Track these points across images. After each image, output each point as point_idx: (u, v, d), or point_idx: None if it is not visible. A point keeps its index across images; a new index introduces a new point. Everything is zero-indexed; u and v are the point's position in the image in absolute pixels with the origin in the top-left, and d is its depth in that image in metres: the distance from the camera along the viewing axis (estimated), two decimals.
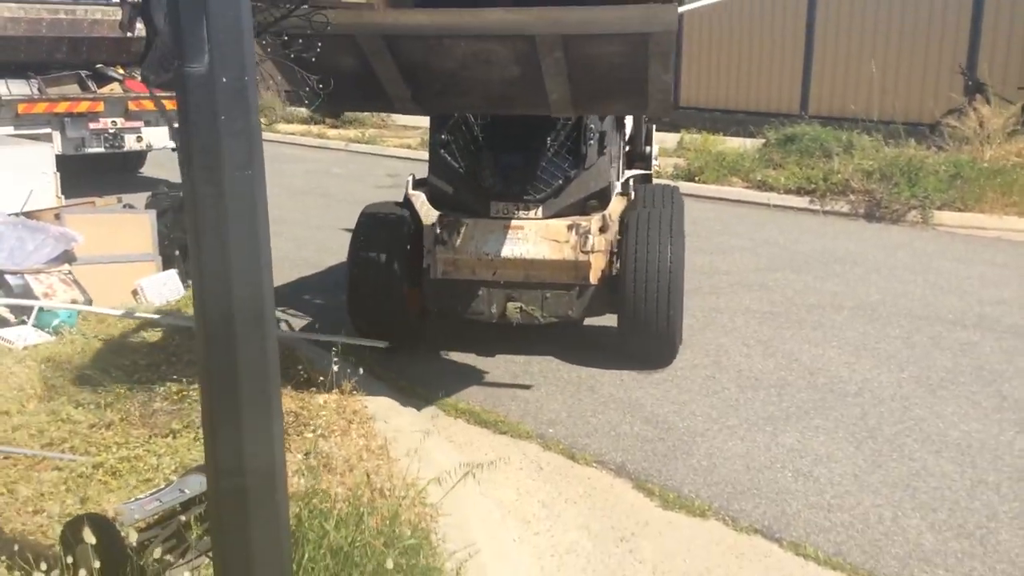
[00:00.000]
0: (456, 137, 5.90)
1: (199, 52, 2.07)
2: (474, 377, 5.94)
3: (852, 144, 13.68)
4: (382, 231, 5.96)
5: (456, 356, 6.32)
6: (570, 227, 5.65)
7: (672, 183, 10.80)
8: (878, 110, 14.43)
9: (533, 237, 5.67)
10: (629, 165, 7.54)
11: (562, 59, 4.20)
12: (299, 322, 6.88)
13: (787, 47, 16.63)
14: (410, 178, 6.23)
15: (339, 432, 4.57)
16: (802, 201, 12.04)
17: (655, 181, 8.04)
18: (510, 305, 5.75)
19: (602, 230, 5.72)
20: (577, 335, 6.69)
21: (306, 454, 4.20)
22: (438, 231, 5.67)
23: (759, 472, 4.65)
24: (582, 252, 5.62)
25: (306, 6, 3.80)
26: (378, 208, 6.25)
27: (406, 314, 5.99)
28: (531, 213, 5.77)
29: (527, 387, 5.76)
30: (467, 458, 4.45)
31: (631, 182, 6.74)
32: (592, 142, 5.78)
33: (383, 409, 5.08)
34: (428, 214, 5.83)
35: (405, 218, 6.01)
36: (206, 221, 2.16)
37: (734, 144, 14.69)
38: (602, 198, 5.91)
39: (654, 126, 8.30)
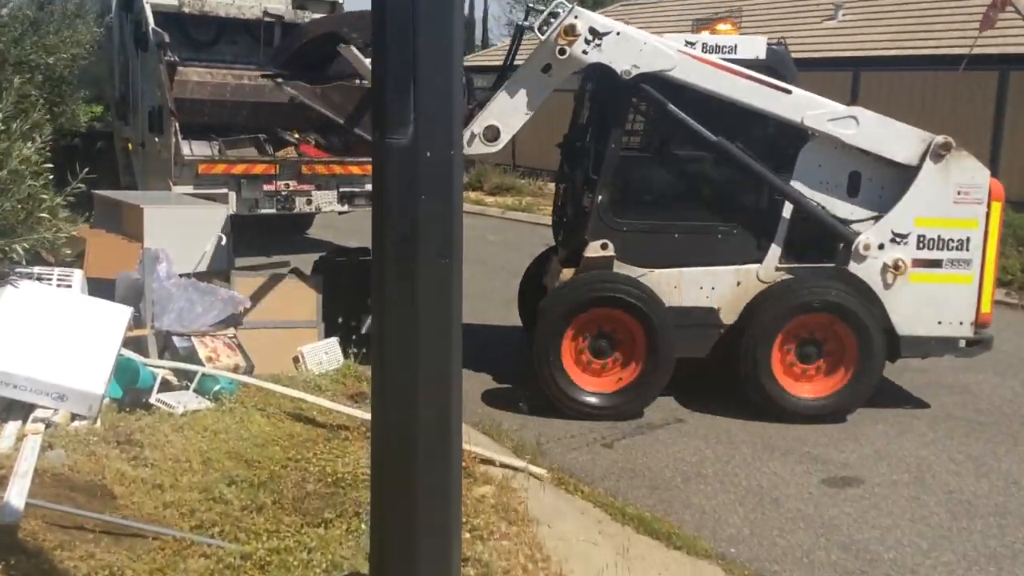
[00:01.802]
0: None
1: (403, 121, 1.75)
2: (641, 475, 5.43)
3: None
4: None
5: (621, 447, 5.83)
6: None
7: None
8: None
9: None
10: None
11: None
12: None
13: (973, 128, 15.54)
14: None
15: (498, 536, 4.15)
16: (997, 293, 10.94)
17: None
18: None
19: None
20: (748, 428, 6.10)
21: (464, 560, 3.79)
22: None
23: None
24: None
25: None
26: None
27: None
28: None
29: (701, 492, 5.20)
30: None
31: None
32: None
33: (546, 510, 4.63)
34: None
35: None
36: (394, 321, 1.82)
37: None
38: None
39: None
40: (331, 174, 12.43)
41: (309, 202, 12.54)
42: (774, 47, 6.67)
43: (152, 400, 5.35)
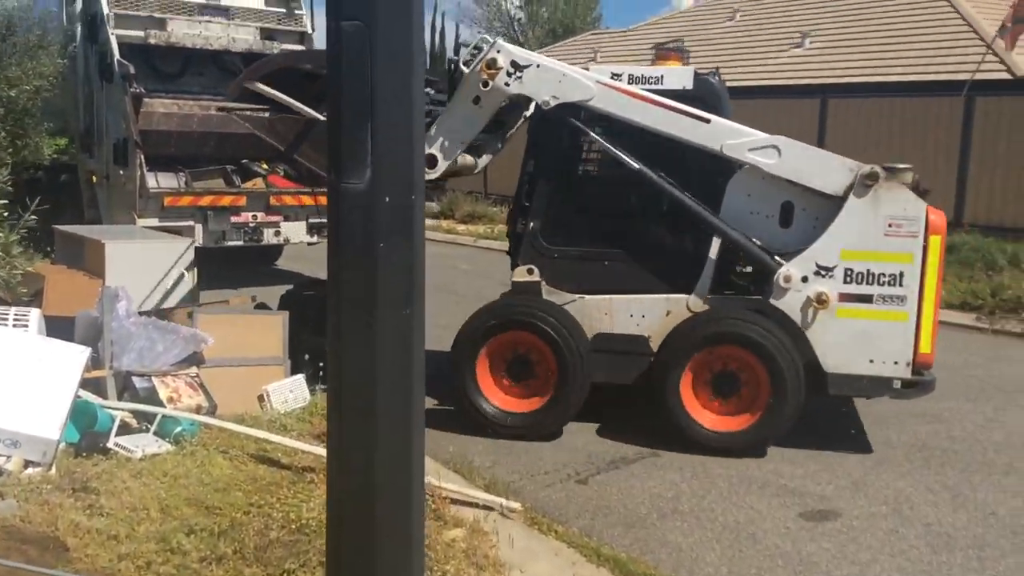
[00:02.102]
0: None
1: (360, 164, 1.65)
2: (616, 512, 5.31)
3: (1019, 256, 12.63)
4: None
5: (595, 483, 5.72)
6: None
7: None
8: None
9: None
10: None
11: None
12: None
13: (940, 153, 15.72)
14: None
15: None
16: (967, 318, 11.03)
17: None
18: None
19: None
20: (724, 462, 6.01)
21: None
22: None
23: None
24: None
25: None
26: None
27: None
28: None
29: (677, 529, 5.09)
30: None
31: None
32: None
33: (518, 553, 4.50)
34: None
35: None
36: (351, 372, 1.71)
37: None
38: None
39: None
40: (300, 205, 12.31)
41: (277, 233, 12.40)
42: (704, 77, 6.72)
43: (110, 444, 5.18)
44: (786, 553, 4.84)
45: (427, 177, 6.58)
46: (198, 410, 5.84)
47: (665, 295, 6.46)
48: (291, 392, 6.33)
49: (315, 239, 12.40)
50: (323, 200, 12.25)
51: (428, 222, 19.98)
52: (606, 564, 4.64)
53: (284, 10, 13.02)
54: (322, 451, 5.26)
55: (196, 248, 8.55)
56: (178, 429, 5.48)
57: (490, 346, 6.50)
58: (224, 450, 5.36)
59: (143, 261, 7.77)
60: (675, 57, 7.10)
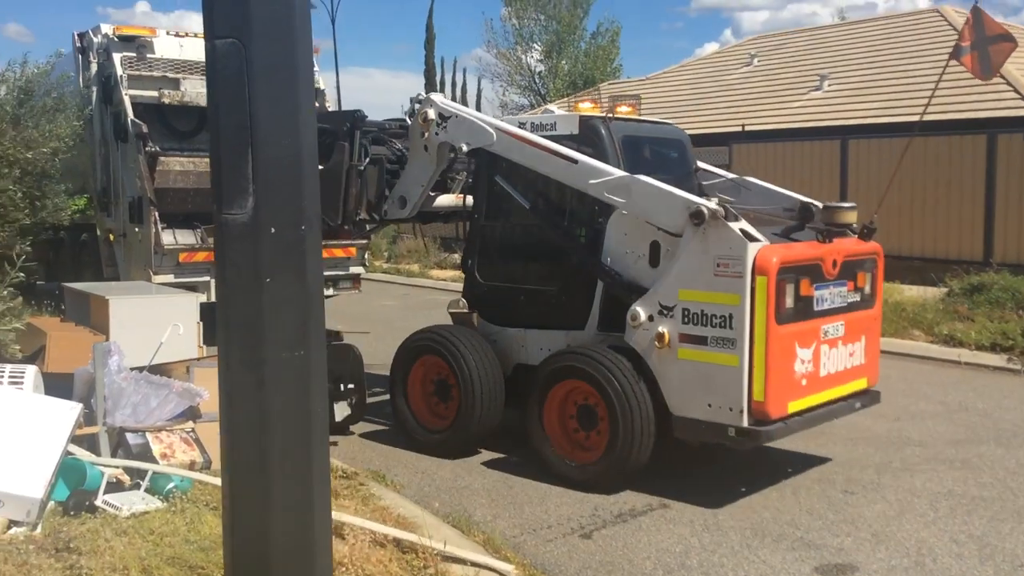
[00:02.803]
0: None
1: (240, 193, 1.52)
2: (620, 569, 5.06)
3: None
4: None
5: (600, 537, 5.48)
6: None
7: None
8: None
9: None
10: None
11: None
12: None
13: (965, 191, 15.44)
14: None
15: None
16: (998, 359, 10.66)
17: None
18: None
19: None
20: (738, 513, 5.74)
21: None
22: None
23: None
24: None
25: None
26: None
27: None
28: None
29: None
30: None
31: None
32: None
33: None
34: None
35: None
36: (238, 420, 1.55)
37: (911, 293, 13.45)
38: None
39: None
40: (347, 256, 12.32)
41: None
42: (591, 122, 6.93)
43: (98, 502, 5.04)
44: None
45: (402, 215, 7.76)
46: (192, 466, 5.70)
47: (564, 330, 6.77)
48: None
49: (330, 292, 12.35)
50: (337, 252, 12.25)
51: (450, 273, 20.00)
52: None
53: None
54: None
55: (206, 303, 8.51)
56: (170, 485, 5.34)
57: (416, 368, 7.21)
58: (215, 506, 5.19)
59: (147, 316, 7.73)
60: (631, 107, 7.45)
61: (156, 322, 7.54)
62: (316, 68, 13.26)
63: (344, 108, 12.16)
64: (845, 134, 17.47)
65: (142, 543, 4.63)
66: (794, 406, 5.91)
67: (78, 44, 12.79)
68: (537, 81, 40.62)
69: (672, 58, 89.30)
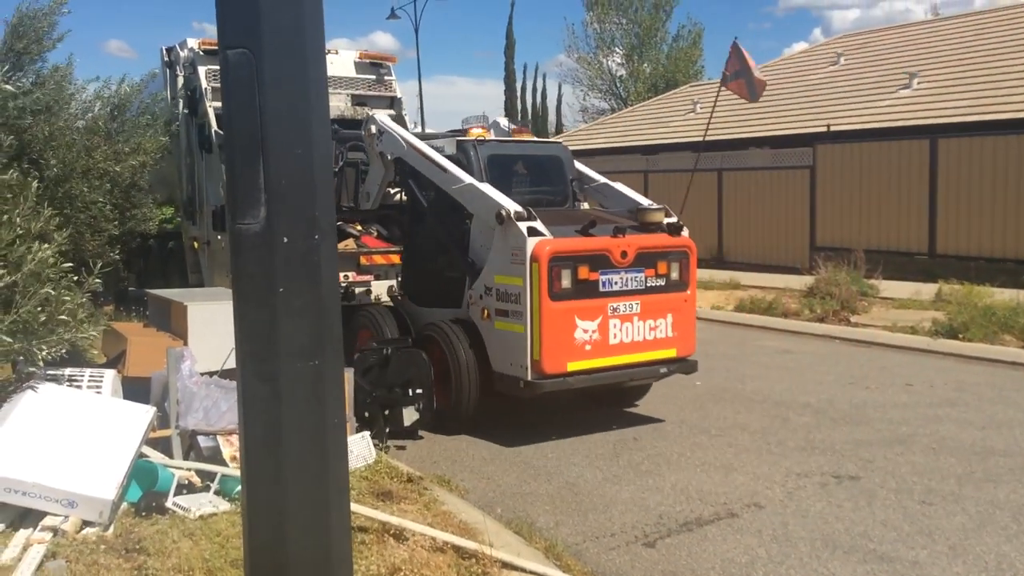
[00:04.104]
0: None
1: (252, 202, 1.54)
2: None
3: None
4: None
5: (664, 547, 5.38)
6: None
7: None
8: None
9: None
10: None
11: None
12: None
13: None
14: None
15: None
16: None
17: None
18: None
19: None
20: (809, 524, 5.56)
21: None
22: None
23: None
24: None
25: None
26: None
27: None
28: None
29: None
30: None
31: None
32: None
33: None
34: None
35: None
36: (254, 431, 1.57)
37: (1004, 297, 12.88)
38: None
39: None
40: (390, 264, 12.43)
41: (368, 292, 12.52)
42: (464, 144, 8.45)
43: (168, 504, 5.20)
44: None
45: (367, 207, 10.02)
46: None
47: (452, 308, 8.18)
48: (354, 450, 6.26)
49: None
50: (377, 260, 12.45)
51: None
52: None
53: (374, 77, 13.37)
54: (375, 513, 5.15)
55: None
56: (238, 488, 5.46)
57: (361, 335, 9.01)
58: None
59: (226, 322, 7.91)
60: (484, 129, 9.22)
61: (221, 328, 7.72)
62: (392, 77, 13.47)
63: (427, 116, 14.06)
64: (934, 133, 16.89)
65: (208, 544, 4.75)
66: (574, 366, 7.31)
67: (165, 58, 13.26)
68: (618, 85, 40.39)
69: (759, 59, 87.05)
